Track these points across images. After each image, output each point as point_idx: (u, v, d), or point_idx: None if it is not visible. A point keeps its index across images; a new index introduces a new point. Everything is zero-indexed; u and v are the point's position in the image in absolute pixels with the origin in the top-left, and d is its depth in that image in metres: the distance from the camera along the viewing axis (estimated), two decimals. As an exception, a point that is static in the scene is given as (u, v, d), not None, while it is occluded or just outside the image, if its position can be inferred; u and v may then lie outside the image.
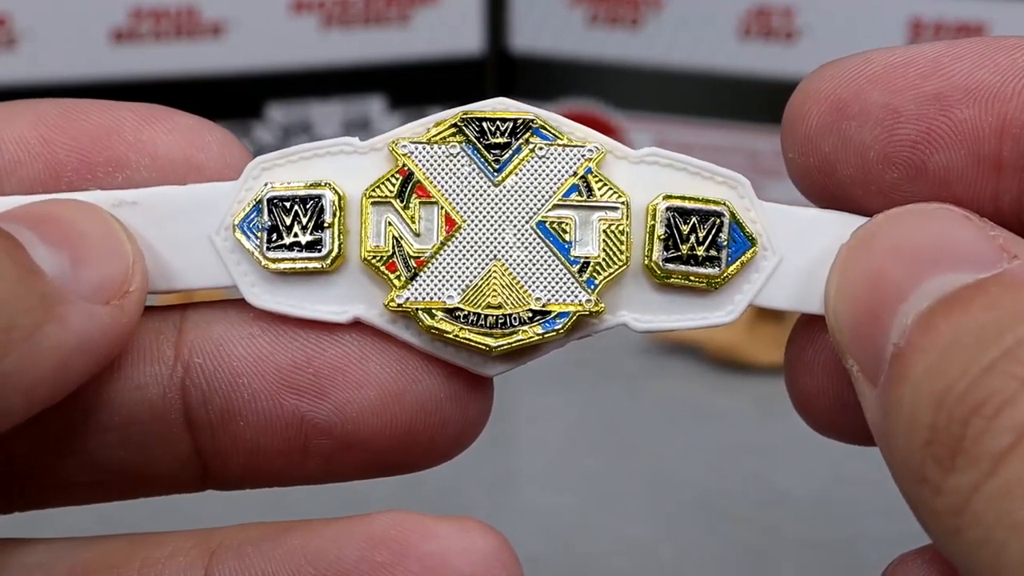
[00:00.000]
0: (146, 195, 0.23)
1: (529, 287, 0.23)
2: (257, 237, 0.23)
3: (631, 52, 0.57)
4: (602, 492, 0.47)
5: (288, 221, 0.23)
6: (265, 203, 0.23)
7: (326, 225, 0.23)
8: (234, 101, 0.57)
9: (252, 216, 0.23)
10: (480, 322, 0.23)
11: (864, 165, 0.22)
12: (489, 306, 0.23)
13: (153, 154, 0.23)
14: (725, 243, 0.23)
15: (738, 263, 0.23)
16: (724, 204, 0.23)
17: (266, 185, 0.23)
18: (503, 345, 0.23)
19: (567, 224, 0.23)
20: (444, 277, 0.23)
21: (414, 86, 0.58)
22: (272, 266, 0.23)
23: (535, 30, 0.58)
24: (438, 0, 0.57)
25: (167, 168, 0.23)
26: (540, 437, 0.51)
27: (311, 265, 0.23)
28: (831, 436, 0.25)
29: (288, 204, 0.23)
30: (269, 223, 0.23)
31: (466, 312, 0.23)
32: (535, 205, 0.23)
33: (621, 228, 0.23)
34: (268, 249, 0.23)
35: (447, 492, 0.47)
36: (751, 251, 0.23)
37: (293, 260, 0.23)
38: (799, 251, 0.23)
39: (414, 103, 0.58)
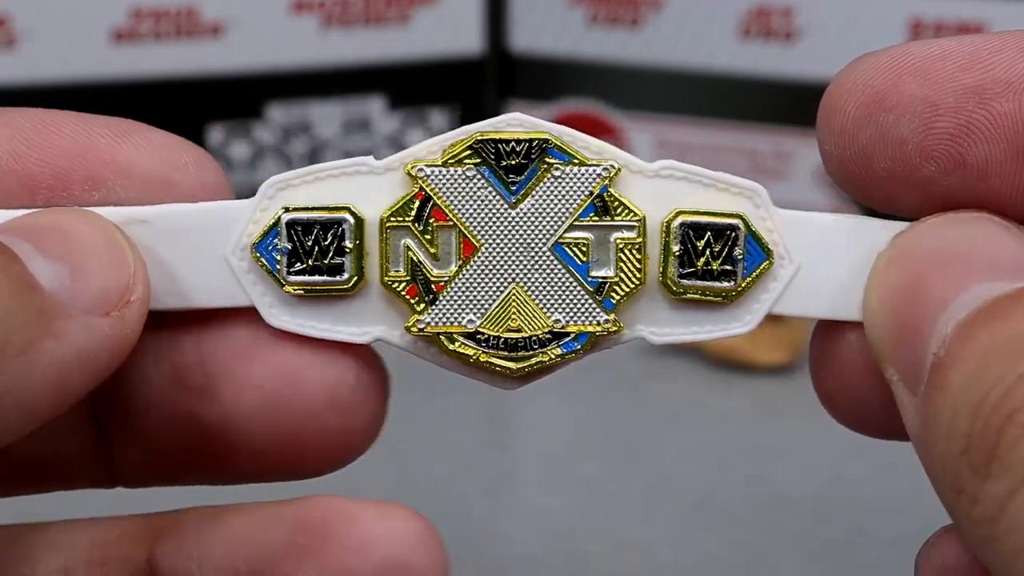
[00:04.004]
0: (156, 213, 0.23)
1: (548, 309, 0.23)
2: (277, 261, 0.23)
3: (631, 52, 0.57)
4: (602, 493, 0.47)
5: (309, 245, 0.23)
6: (284, 226, 0.23)
7: (347, 250, 0.23)
8: (234, 101, 0.57)
9: (271, 239, 0.23)
10: (500, 345, 0.23)
11: (902, 158, 0.22)
12: (509, 329, 0.23)
13: (129, 173, 0.23)
14: (740, 256, 0.23)
15: (753, 275, 0.23)
16: (740, 217, 0.23)
17: (285, 209, 0.23)
18: (524, 368, 0.23)
19: (584, 245, 0.23)
20: (463, 301, 0.23)
21: (414, 86, 0.58)
22: (293, 290, 0.23)
23: (535, 30, 0.58)
24: (438, 0, 0.57)
25: (142, 187, 0.23)
26: (540, 438, 0.51)
27: (333, 289, 0.23)
28: (859, 431, 0.25)
29: (308, 228, 0.23)
30: (289, 247, 0.23)
31: (486, 336, 0.23)
32: (552, 227, 0.23)
33: (637, 247, 0.23)
34: (289, 273, 0.23)
35: (446, 493, 0.47)
36: (767, 262, 0.23)
37: (314, 285, 0.23)
38: (817, 258, 0.23)
39: (414, 103, 0.58)
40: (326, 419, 0.24)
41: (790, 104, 0.57)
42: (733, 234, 0.23)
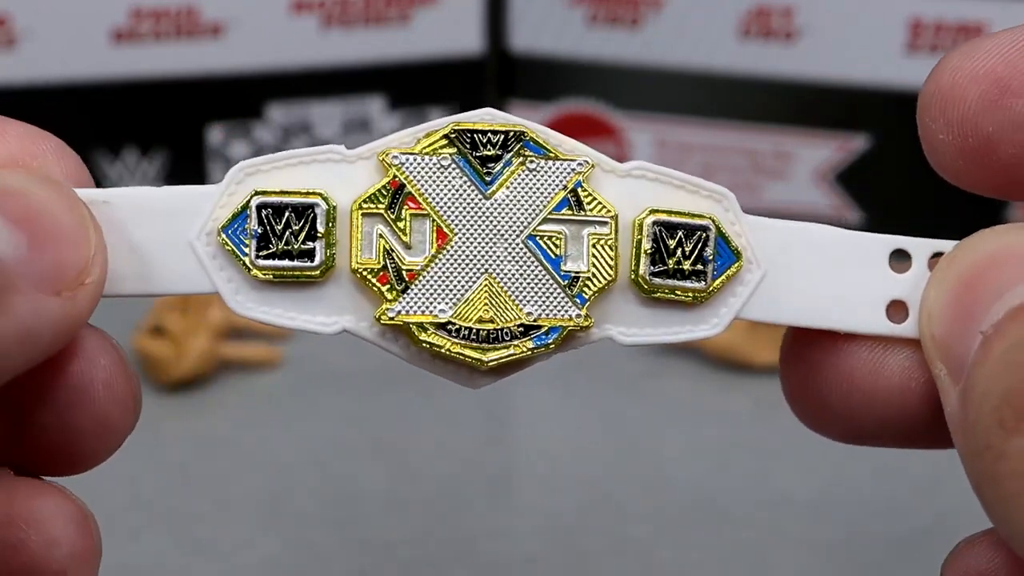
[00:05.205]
0: (119, 195, 0.23)
1: (520, 301, 0.23)
2: (245, 244, 0.23)
3: (631, 52, 0.57)
4: (601, 492, 0.47)
5: (279, 229, 0.23)
6: (254, 209, 0.23)
7: (319, 235, 0.23)
8: (234, 101, 0.57)
9: (239, 222, 0.23)
10: (472, 336, 0.23)
11: None
12: (480, 320, 0.23)
13: None
14: (711, 257, 0.23)
15: (723, 277, 0.23)
16: (710, 218, 0.23)
17: (255, 192, 0.23)
18: (494, 360, 0.23)
19: (558, 238, 0.23)
20: (435, 290, 0.23)
21: (414, 86, 0.58)
22: (262, 275, 0.23)
23: (535, 30, 0.58)
24: (438, 0, 0.57)
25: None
26: (539, 436, 0.51)
27: (303, 275, 0.23)
28: (823, 434, 0.25)
29: (279, 212, 0.23)
30: (259, 230, 0.23)
31: (458, 326, 0.23)
32: (526, 219, 0.23)
33: (610, 243, 0.23)
34: (258, 257, 0.23)
35: (446, 492, 0.47)
36: (736, 265, 0.23)
37: (283, 270, 0.23)
38: (783, 264, 0.24)
39: (414, 103, 0.58)
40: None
41: (790, 104, 0.57)
42: (704, 235, 0.23)
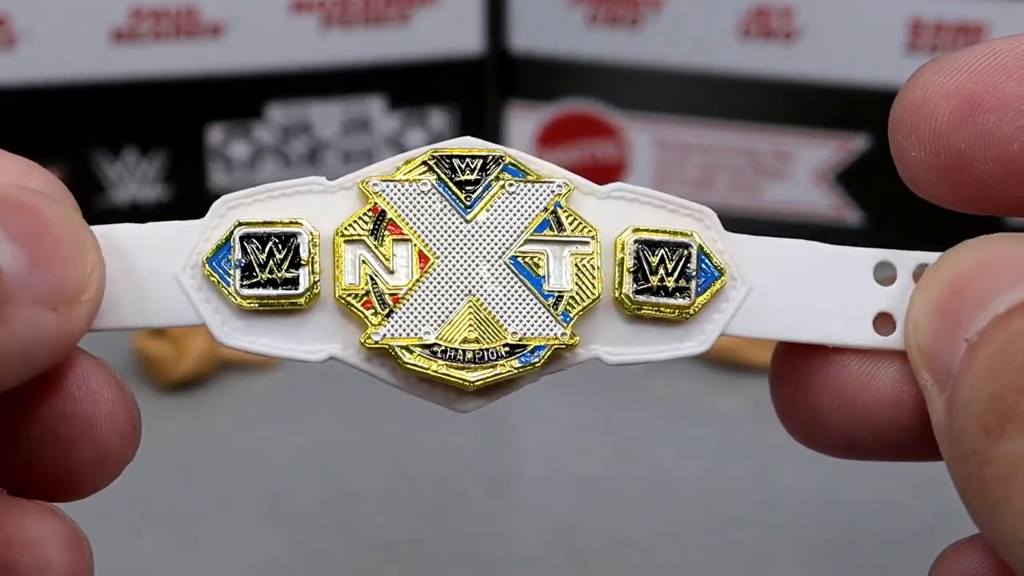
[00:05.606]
0: (103, 232, 0.23)
1: (504, 321, 0.23)
2: (230, 274, 0.23)
3: (631, 52, 0.57)
4: (601, 492, 0.47)
5: (263, 258, 0.23)
6: (237, 240, 0.23)
7: (302, 263, 0.23)
8: (234, 101, 0.57)
9: (223, 253, 0.23)
10: (458, 357, 0.23)
11: (1006, 159, 0.22)
12: (465, 341, 0.23)
13: None
14: (694, 273, 0.23)
15: (708, 293, 0.23)
16: (691, 235, 0.23)
17: (238, 223, 0.23)
18: (480, 379, 0.23)
19: (540, 258, 0.23)
20: (420, 313, 0.23)
21: (414, 86, 0.58)
22: (247, 304, 0.23)
23: (535, 30, 0.58)
24: (438, 0, 0.57)
25: None
26: (539, 436, 0.51)
27: (288, 303, 0.23)
28: (812, 448, 0.25)
29: (262, 241, 0.23)
30: (243, 260, 0.23)
31: (443, 348, 0.23)
32: (508, 240, 0.23)
33: (592, 262, 0.23)
34: (242, 286, 0.23)
35: (447, 491, 0.47)
36: (720, 281, 0.24)
37: (268, 298, 0.23)
38: (768, 279, 0.24)
39: (414, 103, 0.58)
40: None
41: (790, 104, 0.57)
42: (686, 251, 0.23)
